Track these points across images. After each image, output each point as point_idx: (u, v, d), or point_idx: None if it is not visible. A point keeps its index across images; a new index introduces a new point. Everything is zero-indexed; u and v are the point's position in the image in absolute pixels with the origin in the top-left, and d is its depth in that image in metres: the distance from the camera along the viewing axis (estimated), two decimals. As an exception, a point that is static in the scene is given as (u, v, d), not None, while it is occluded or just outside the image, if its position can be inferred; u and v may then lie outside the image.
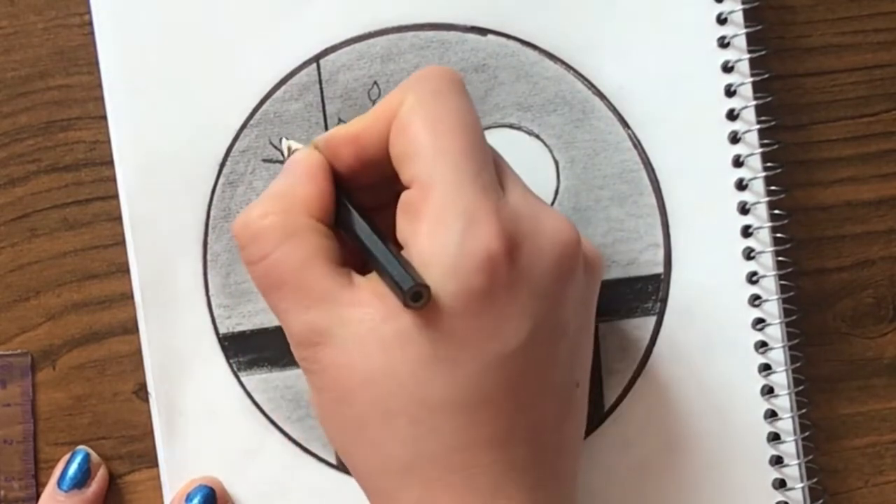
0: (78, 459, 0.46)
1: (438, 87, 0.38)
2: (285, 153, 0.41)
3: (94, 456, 0.46)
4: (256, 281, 0.38)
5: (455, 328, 0.35)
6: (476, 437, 0.36)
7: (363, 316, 0.36)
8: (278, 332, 0.45)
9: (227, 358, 0.45)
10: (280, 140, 0.45)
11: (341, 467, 0.46)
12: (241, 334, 0.45)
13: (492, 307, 0.36)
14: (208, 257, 0.45)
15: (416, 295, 0.35)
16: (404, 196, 0.37)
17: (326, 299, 0.37)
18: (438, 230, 0.36)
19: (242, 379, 0.45)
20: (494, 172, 0.37)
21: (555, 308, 0.37)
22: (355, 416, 0.37)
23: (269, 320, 0.45)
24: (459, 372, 0.36)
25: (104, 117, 0.45)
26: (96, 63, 0.45)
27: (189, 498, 0.45)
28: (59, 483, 0.45)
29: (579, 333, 0.39)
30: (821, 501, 0.46)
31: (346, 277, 0.37)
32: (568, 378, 0.39)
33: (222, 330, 0.45)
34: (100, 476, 0.46)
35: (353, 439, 0.37)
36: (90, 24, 0.44)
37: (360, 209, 0.38)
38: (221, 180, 0.45)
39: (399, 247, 0.37)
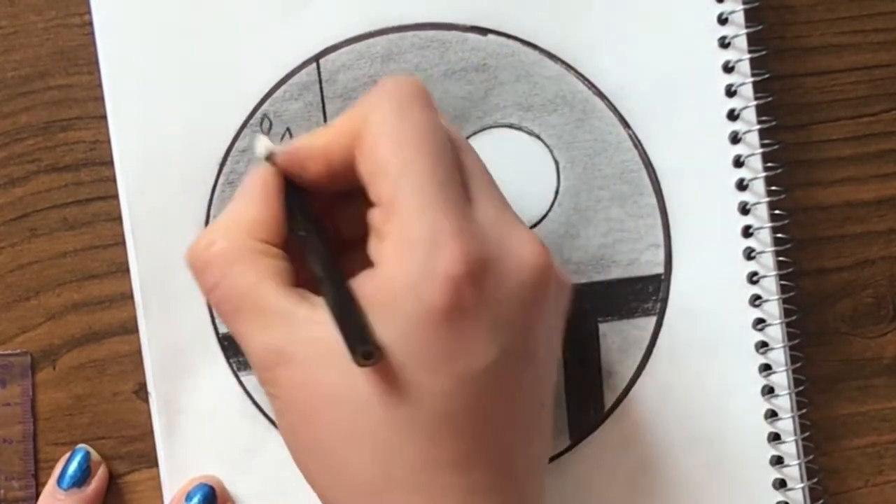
0: (78, 458, 0.46)
1: (402, 103, 0.37)
2: (259, 150, 0.39)
3: (93, 454, 0.46)
4: (216, 309, 0.38)
5: (417, 349, 0.35)
6: (438, 459, 0.36)
7: (320, 334, 0.36)
8: (278, 332, 0.45)
9: (227, 358, 0.45)
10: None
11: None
12: (242, 334, 0.45)
13: (455, 329, 0.35)
14: (208, 257, 0.45)
15: (366, 353, 0.34)
16: (371, 215, 0.37)
17: (282, 318, 0.36)
18: (401, 253, 0.35)
19: (242, 379, 0.45)
20: (461, 189, 0.37)
21: (523, 334, 0.37)
22: (318, 437, 0.36)
23: (269, 320, 0.45)
24: (421, 392, 0.35)
25: (104, 117, 0.45)
26: (96, 63, 0.45)
27: (189, 496, 0.45)
28: (59, 481, 0.45)
29: (546, 358, 0.39)
30: (821, 501, 0.46)
31: (300, 296, 0.37)
32: (533, 402, 0.38)
33: (222, 330, 0.45)
34: (100, 474, 0.46)
35: (317, 461, 0.37)
36: (90, 24, 0.44)
37: (323, 245, 0.38)
38: (221, 180, 0.45)
39: (370, 264, 0.37)
